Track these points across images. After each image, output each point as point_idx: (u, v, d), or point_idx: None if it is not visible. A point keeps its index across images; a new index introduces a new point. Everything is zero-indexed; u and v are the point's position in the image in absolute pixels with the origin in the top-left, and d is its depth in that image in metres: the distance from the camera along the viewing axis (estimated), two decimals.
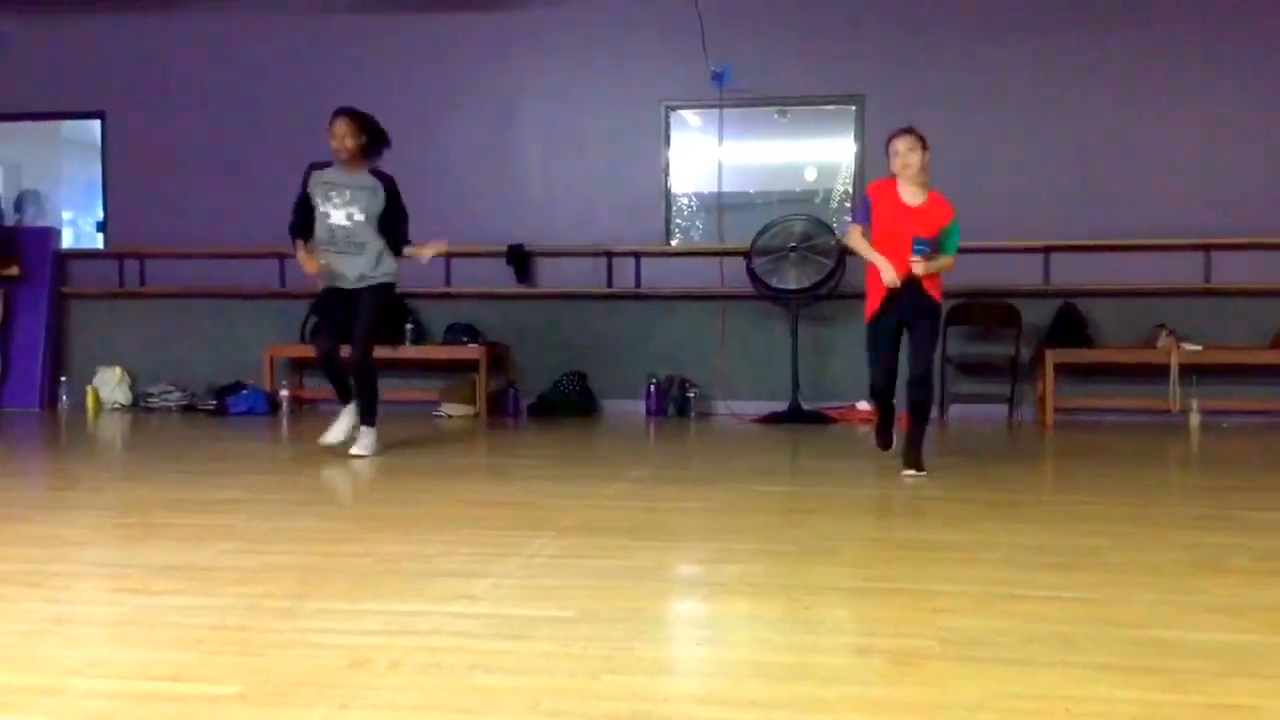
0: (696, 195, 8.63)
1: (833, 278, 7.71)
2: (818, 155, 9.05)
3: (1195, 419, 7.39)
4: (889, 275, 4.74)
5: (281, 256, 8.22)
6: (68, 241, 9.97)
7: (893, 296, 4.81)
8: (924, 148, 4.82)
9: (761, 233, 7.84)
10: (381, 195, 5.39)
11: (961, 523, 3.86)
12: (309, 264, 5.42)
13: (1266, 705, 1.99)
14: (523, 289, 8.40)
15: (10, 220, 9.53)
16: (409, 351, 8.03)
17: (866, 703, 2.00)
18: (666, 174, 8.41)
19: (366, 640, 2.36)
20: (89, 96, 8.90)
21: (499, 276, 8.38)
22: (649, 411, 8.07)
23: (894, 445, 5.19)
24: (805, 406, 7.70)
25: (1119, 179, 7.81)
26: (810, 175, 9.11)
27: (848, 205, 8.37)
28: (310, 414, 7.98)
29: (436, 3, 8.51)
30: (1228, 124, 7.74)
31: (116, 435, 7.10)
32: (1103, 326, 7.85)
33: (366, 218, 5.37)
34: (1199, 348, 7.51)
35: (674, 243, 8.49)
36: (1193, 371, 7.51)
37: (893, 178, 4.89)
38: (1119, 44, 7.86)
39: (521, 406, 8.14)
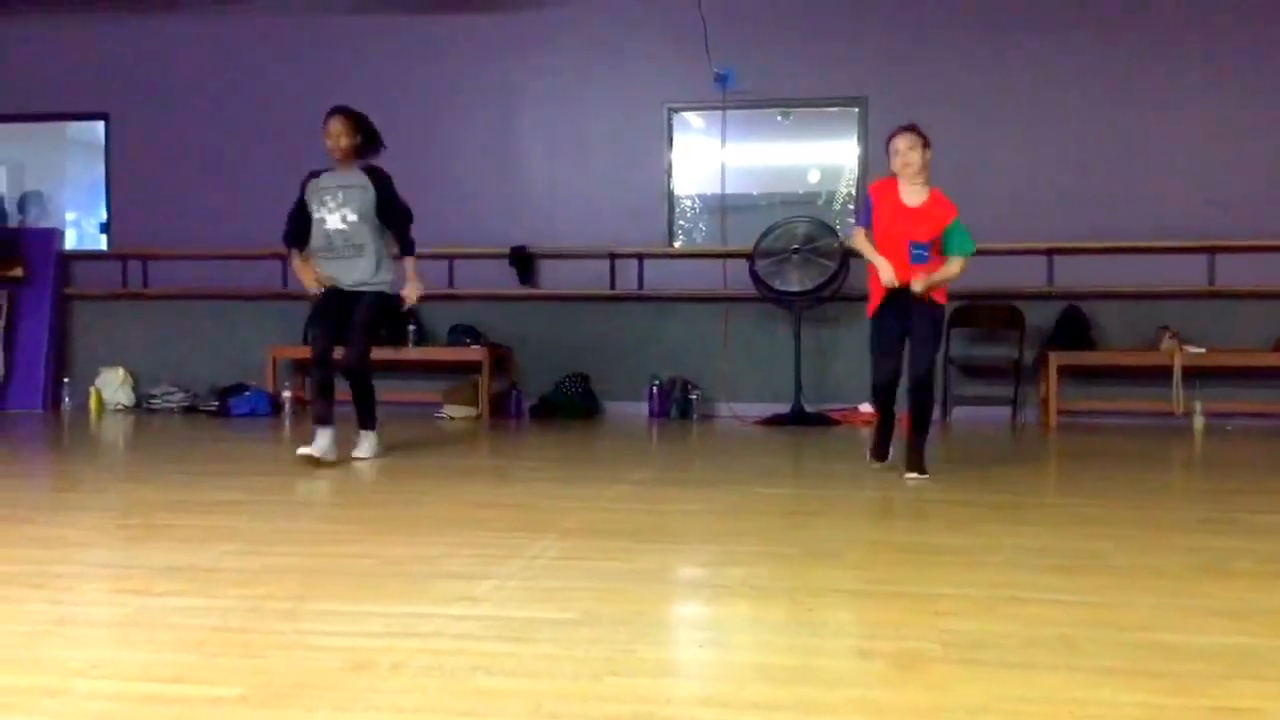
0: (699, 197, 8.63)
1: (836, 280, 7.71)
2: (821, 157, 9.03)
3: (1199, 422, 7.39)
4: (886, 275, 4.71)
5: (284, 258, 8.18)
6: (71, 243, 9.96)
7: (893, 296, 4.79)
8: (925, 146, 4.76)
9: (764, 235, 7.84)
10: (372, 191, 5.31)
11: (964, 525, 3.84)
12: (305, 275, 5.38)
13: (1270, 708, 1.98)
14: (525, 290, 8.40)
15: (14, 221, 9.55)
16: (412, 353, 8.03)
17: (869, 705, 2.00)
18: (669, 176, 8.41)
19: (368, 642, 2.36)
20: (93, 98, 8.93)
21: (502, 278, 8.38)
22: (651, 413, 8.07)
23: (888, 459, 5.10)
24: (808, 409, 7.69)
25: (1121, 180, 7.81)
26: (813, 177, 9.10)
27: (851, 207, 8.37)
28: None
29: (437, 4, 8.52)
30: (1229, 124, 7.74)
31: (119, 436, 7.10)
32: (1106, 328, 7.85)
33: (360, 217, 5.30)
34: (1202, 350, 7.51)
35: (677, 244, 8.49)
36: (1196, 374, 7.51)
37: (894, 176, 4.84)
38: (1120, 44, 7.86)
39: (524, 408, 8.14)
